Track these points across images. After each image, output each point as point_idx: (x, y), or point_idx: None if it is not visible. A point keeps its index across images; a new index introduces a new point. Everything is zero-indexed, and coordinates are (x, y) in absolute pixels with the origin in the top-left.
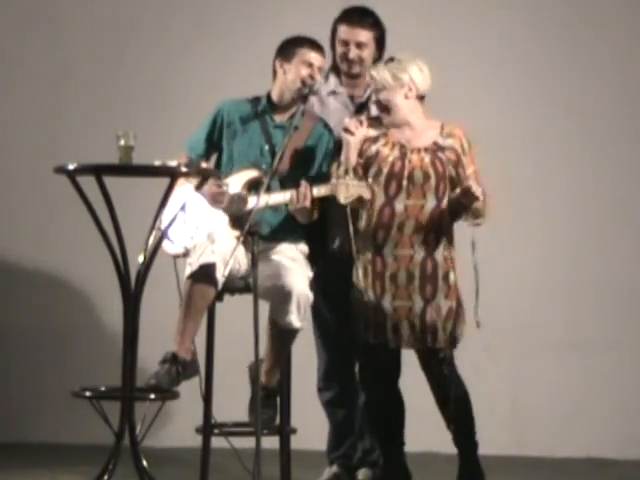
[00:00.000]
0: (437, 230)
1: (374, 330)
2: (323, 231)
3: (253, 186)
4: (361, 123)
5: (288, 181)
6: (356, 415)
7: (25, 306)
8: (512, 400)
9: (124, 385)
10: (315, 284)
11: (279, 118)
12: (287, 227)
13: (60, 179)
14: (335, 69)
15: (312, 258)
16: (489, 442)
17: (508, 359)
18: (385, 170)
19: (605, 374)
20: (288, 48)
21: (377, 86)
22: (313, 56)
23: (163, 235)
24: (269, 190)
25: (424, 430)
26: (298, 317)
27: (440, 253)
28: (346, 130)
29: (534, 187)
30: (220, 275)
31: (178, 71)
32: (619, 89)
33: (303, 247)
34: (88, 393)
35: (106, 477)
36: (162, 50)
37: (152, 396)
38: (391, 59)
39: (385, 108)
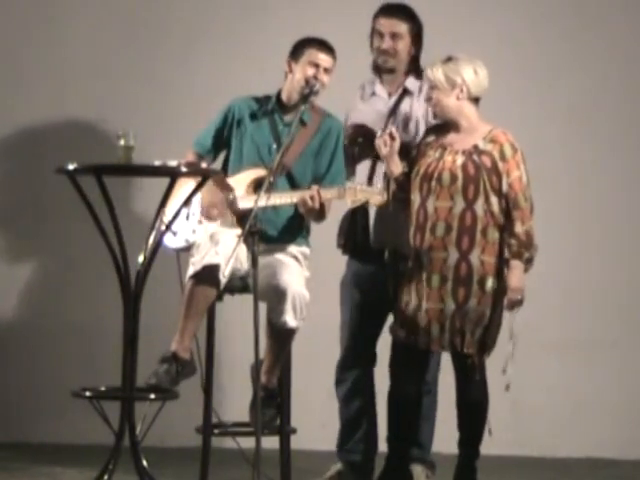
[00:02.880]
0: (471, 233)
1: (407, 330)
2: (365, 226)
3: (259, 185)
4: (392, 137)
5: (296, 177)
6: (367, 410)
7: (25, 306)
8: (512, 400)
9: (124, 385)
10: (349, 277)
11: (288, 117)
12: (291, 228)
13: (60, 179)
14: (376, 69)
15: (350, 252)
16: (489, 442)
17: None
18: (421, 171)
19: (605, 374)
20: (298, 48)
21: (430, 84)
22: (321, 57)
23: (167, 229)
24: (276, 187)
25: None
26: (294, 317)
27: (476, 256)
28: (379, 147)
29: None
30: (222, 276)
31: (178, 71)
32: (620, 89)
33: (305, 250)
34: (88, 393)
35: (106, 477)
36: (162, 50)
37: (152, 396)
38: (449, 58)
39: (435, 107)
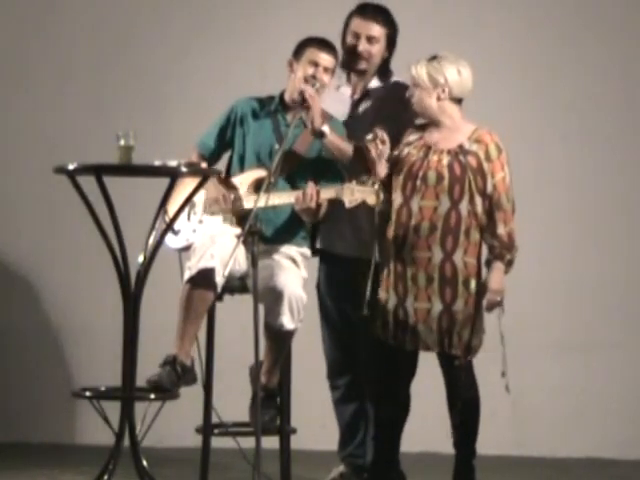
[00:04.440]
0: (455, 233)
1: (393, 331)
2: (331, 231)
3: (260, 186)
4: (382, 141)
5: (297, 179)
6: (365, 413)
7: (25, 306)
8: (512, 400)
9: (124, 385)
10: (323, 284)
11: (291, 117)
12: (291, 228)
13: (60, 179)
14: (345, 67)
15: (320, 259)
16: (489, 442)
17: (508, 359)
18: (404, 170)
19: (605, 374)
20: (300, 47)
21: (413, 82)
22: (320, 56)
23: (167, 228)
24: (276, 188)
25: (424, 430)
26: (291, 319)
27: (459, 257)
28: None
29: (534, 187)
30: (220, 277)
31: (178, 71)
32: (619, 88)
33: (305, 250)
34: (88, 393)
35: (106, 477)
36: (162, 50)
37: (152, 396)
38: (434, 57)
39: (416, 105)
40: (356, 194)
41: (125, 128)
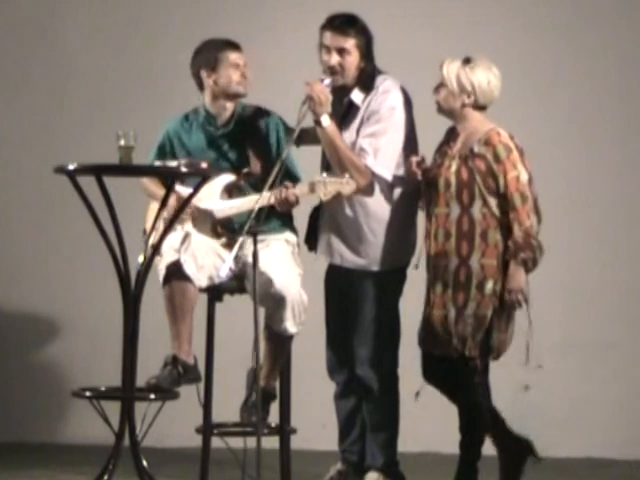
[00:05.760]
0: (469, 238)
1: (422, 335)
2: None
3: (231, 189)
4: (419, 164)
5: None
6: (359, 410)
7: (25, 306)
8: (512, 400)
9: (124, 385)
10: (326, 279)
11: (221, 125)
12: (270, 218)
13: (60, 179)
14: None
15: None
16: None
17: (508, 359)
18: (426, 178)
19: (605, 374)
20: (207, 56)
21: (442, 80)
22: (236, 56)
23: (154, 252)
24: (243, 192)
25: (424, 430)
26: (294, 323)
27: (476, 261)
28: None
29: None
30: (190, 268)
31: (178, 71)
32: (620, 89)
33: (289, 236)
34: (88, 393)
35: (106, 477)
36: (162, 50)
37: (152, 396)
38: (467, 60)
39: (439, 104)
40: (329, 187)
41: (125, 128)
